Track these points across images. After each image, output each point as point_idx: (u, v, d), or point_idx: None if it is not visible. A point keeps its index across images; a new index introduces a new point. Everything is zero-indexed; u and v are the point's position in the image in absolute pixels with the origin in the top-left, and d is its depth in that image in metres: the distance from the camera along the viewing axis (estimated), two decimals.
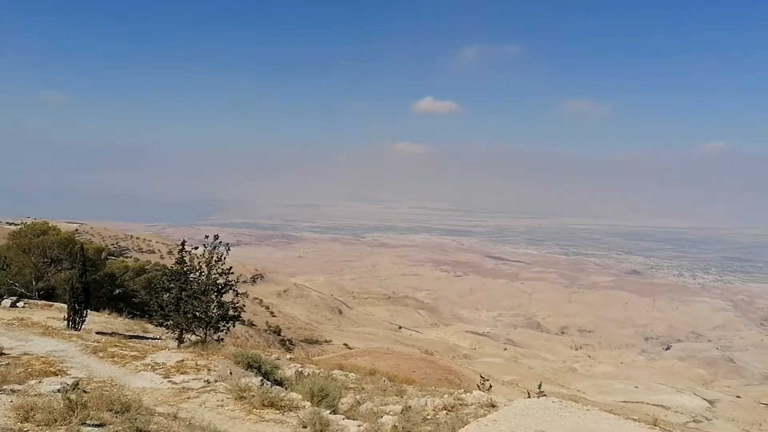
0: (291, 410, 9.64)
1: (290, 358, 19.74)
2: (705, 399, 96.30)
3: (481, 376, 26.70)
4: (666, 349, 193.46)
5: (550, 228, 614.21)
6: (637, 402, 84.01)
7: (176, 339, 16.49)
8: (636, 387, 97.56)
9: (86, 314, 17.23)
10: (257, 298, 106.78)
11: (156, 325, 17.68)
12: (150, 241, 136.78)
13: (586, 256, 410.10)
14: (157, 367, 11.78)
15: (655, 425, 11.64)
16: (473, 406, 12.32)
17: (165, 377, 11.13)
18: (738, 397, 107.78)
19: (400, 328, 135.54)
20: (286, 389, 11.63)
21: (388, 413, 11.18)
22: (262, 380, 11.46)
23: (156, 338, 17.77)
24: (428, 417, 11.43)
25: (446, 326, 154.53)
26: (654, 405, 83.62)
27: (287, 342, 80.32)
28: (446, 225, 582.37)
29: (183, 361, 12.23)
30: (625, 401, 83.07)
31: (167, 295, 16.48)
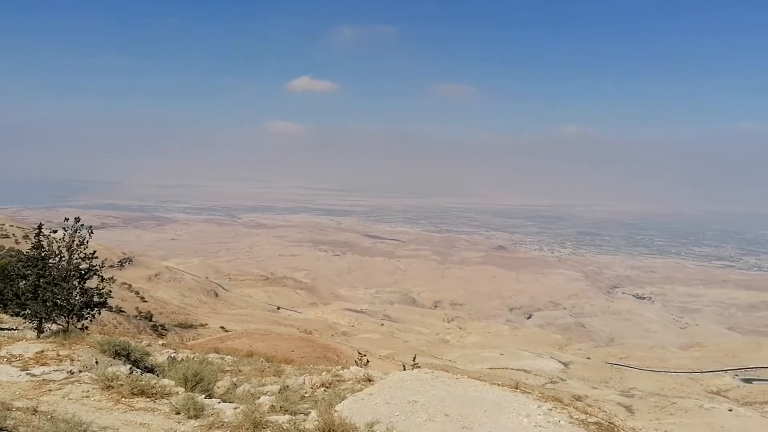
0: (163, 397, 9.37)
1: (162, 344, 19.05)
2: (560, 362, 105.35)
3: (358, 352, 27.35)
4: (528, 318, 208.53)
5: (425, 207, 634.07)
6: (503, 368, 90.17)
7: (35, 329, 15.33)
8: (501, 354, 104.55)
9: None
10: (126, 284, 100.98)
11: (12, 315, 16.29)
12: (3, 225, 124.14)
13: (458, 233, 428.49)
14: (13, 360, 10.93)
15: (517, 388, 12.67)
16: (350, 382, 12.67)
17: (23, 370, 10.38)
18: (588, 358, 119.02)
19: (278, 308, 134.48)
20: (158, 376, 11.28)
21: (265, 394, 11.21)
22: (131, 368, 11.01)
23: (12, 329, 16.41)
24: (306, 395, 11.61)
25: (325, 305, 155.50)
26: (517, 369, 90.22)
27: (159, 327, 76.99)
28: (325, 205, 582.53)
29: (43, 351, 11.44)
30: (491, 368, 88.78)
31: (23, 282, 15.22)
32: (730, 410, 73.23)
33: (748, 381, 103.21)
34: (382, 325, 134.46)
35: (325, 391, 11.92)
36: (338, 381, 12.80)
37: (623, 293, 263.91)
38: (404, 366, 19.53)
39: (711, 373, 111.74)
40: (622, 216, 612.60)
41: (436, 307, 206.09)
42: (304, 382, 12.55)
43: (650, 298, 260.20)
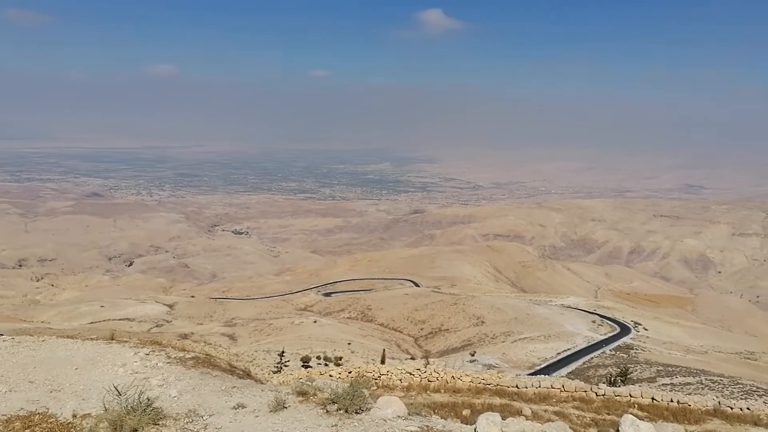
0: None
1: None
2: (165, 304, 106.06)
3: None
4: (129, 266, 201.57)
5: None
6: (104, 320, 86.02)
7: None
8: (102, 306, 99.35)
9: None
10: None
11: None
12: None
13: (42, 181, 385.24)
14: None
15: (113, 339, 12.63)
16: None
17: None
18: (193, 296, 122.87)
19: None
20: None
21: None
22: None
23: None
24: None
25: None
26: (119, 319, 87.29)
27: None
28: None
29: None
30: (92, 322, 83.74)
31: None
32: (315, 321, 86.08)
33: (327, 295, 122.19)
34: None
35: None
36: None
37: (223, 230, 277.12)
38: None
39: (299, 292, 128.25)
40: (218, 156, 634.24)
41: (21, 266, 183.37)
42: None
43: (247, 232, 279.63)
